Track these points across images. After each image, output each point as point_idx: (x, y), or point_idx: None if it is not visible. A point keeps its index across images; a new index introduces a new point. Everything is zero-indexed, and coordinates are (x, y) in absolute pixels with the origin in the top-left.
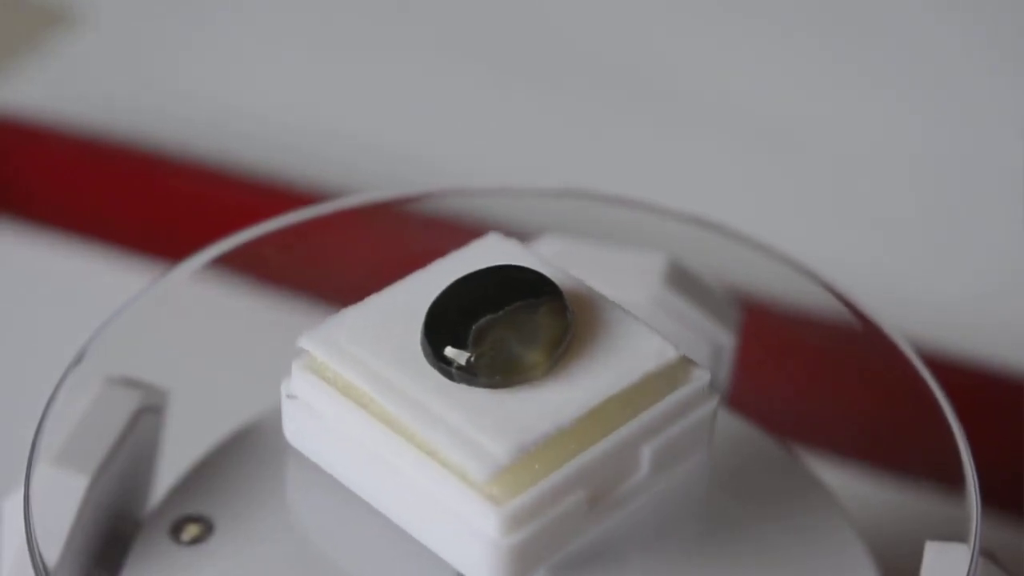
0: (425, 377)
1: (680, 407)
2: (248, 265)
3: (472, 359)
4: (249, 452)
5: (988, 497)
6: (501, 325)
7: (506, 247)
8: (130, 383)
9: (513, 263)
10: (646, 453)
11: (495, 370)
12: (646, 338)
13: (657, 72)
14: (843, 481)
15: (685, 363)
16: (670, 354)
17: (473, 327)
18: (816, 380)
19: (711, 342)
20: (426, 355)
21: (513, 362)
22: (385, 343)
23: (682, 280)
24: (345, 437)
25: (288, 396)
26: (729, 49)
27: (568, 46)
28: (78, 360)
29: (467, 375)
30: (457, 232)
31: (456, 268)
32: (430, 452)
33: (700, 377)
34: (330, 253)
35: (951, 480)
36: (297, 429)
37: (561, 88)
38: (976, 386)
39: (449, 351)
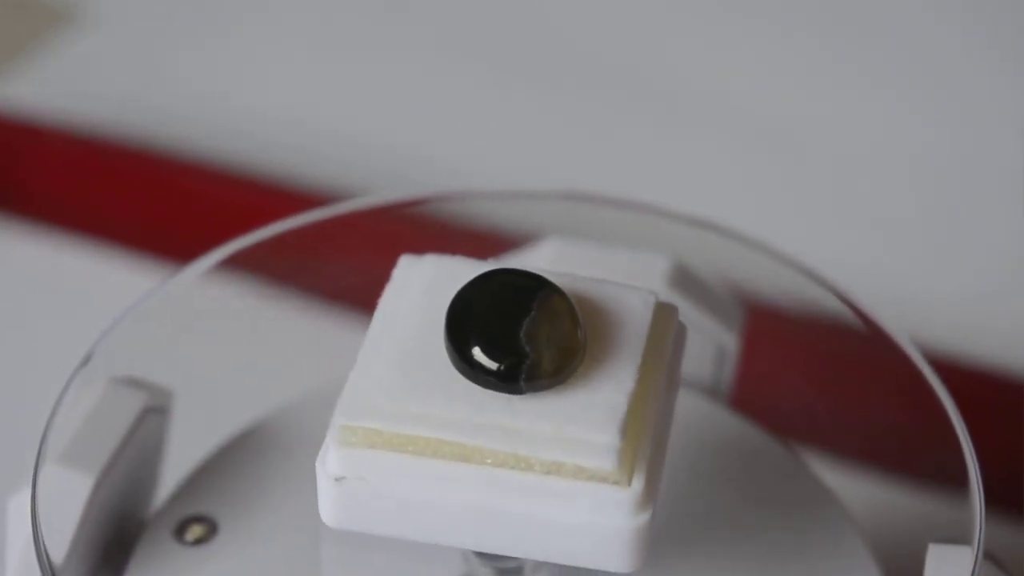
0: (480, 399)
1: (675, 340)
2: (251, 266)
3: (534, 362)
4: (253, 453)
5: (990, 498)
6: (541, 323)
7: (446, 263)
8: (135, 383)
9: (471, 275)
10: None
11: (558, 365)
12: (626, 295)
13: (658, 73)
14: (846, 482)
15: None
16: (652, 300)
17: (520, 333)
18: (819, 381)
19: (715, 343)
20: (476, 376)
21: (568, 351)
22: (419, 385)
23: (685, 281)
24: (419, 496)
25: (336, 479)
26: (730, 49)
27: (569, 47)
28: (86, 361)
29: (535, 378)
30: (461, 234)
31: (414, 296)
32: (530, 468)
33: (672, 309)
34: (332, 255)
35: (953, 481)
36: (350, 509)
37: (562, 89)
38: (977, 387)
39: (506, 363)
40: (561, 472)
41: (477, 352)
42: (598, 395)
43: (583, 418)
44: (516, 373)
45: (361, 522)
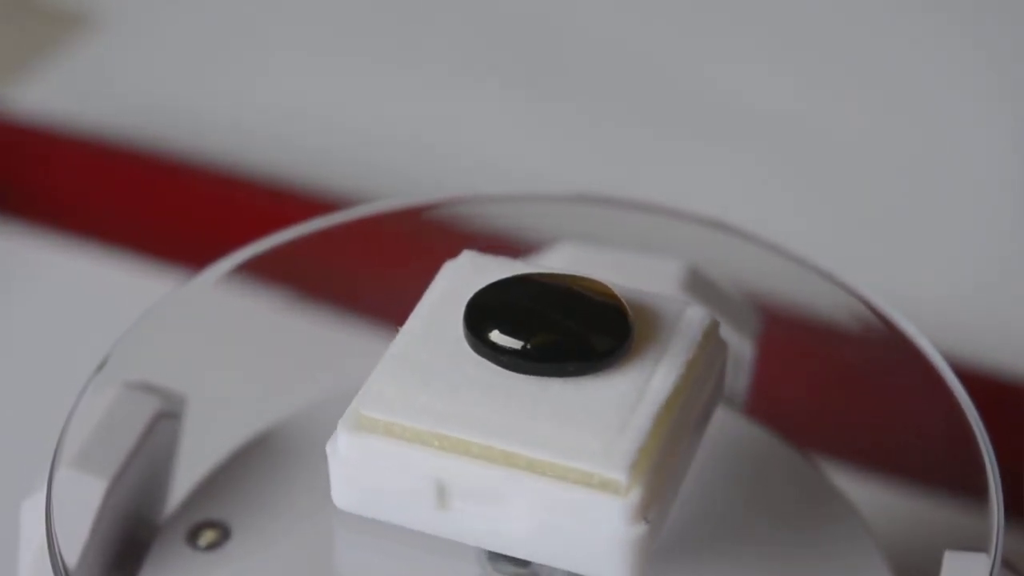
0: (498, 393)
1: (710, 363)
2: (266, 272)
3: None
4: (266, 458)
5: (1006, 504)
6: (579, 305)
7: (483, 262)
8: (148, 388)
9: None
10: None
11: (607, 347)
12: (679, 307)
13: (671, 76)
14: (861, 489)
15: (714, 324)
16: (707, 320)
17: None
18: (834, 388)
19: (730, 349)
20: (505, 360)
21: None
22: (439, 378)
23: (700, 286)
24: (427, 485)
25: (341, 461)
26: (745, 54)
27: (580, 51)
28: (101, 366)
29: (582, 358)
30: (475, 240)
31: (451, 295)
32: (531, 468)
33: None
34: (345, 259)
35: (971, 488)
36: (358, 493)
37: (573, 93)
38: (993, 391)
39: (539, 338)
40: (560, 473)
41: (481, 319)
42: (619, 400)
43: (591, 419)
44: (554, 352)
45: (367, 507)
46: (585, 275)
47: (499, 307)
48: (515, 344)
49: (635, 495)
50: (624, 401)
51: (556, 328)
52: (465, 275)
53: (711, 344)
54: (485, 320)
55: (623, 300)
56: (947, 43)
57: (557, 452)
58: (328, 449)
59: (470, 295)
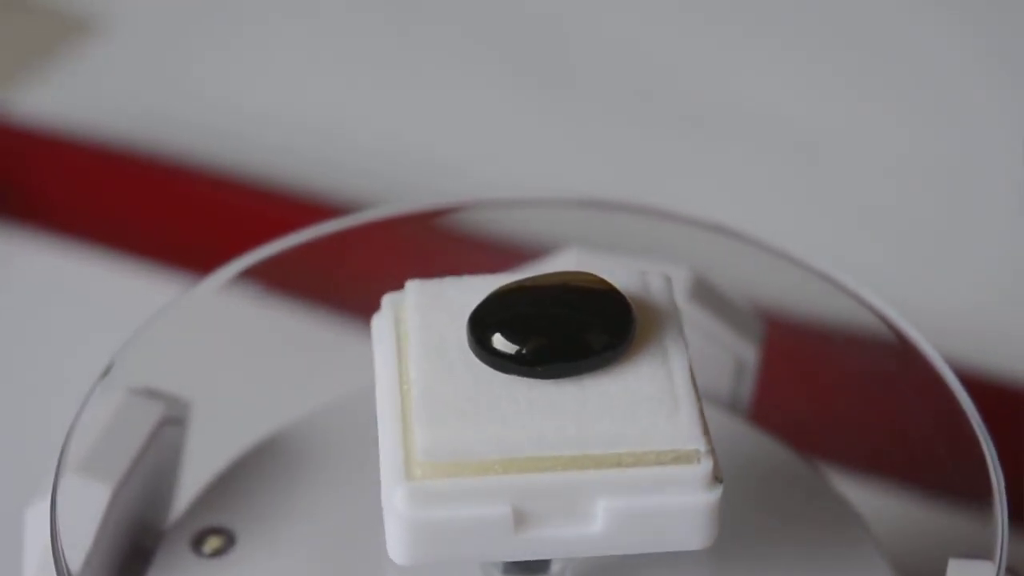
0: (540, 403)
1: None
2: (271, 277)
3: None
4: (271, 464)
5: (1012, 512)
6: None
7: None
8: (153, 394)
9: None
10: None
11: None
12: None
13: (675, 81)
14: (866, 497)
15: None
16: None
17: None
18: (839, 395)
19: (734, 356)
20: (513, 368)
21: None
22: (478, 407)
23: (705, 293)
24: (502, 512)
25: (412, 517)
26: (749, 58)
27: (583, 56)
28: (106, 372)
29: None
30: (478, 245)
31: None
32: (603, 464)
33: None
34: (349, 265)
35: (976, 496)
36: (424, 544)
37: (575, 98)
38: (998, 398)
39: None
40: (635, 461)
41: (498, 339)
42: (654, 379)
43: (643, 404)
44: (548, 356)
45: (434, 554)
46: (562, 270)
47: (501, 320)
48: (525, 351)
49: (708, 461)
50: (660, 383)
51: (567, 327)
52: (428, 302)
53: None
54: (494, 337)
55: (616, 286)
56: (952, 45)
57: (628, 442)
58: (384, 504)
59: (451, 320)
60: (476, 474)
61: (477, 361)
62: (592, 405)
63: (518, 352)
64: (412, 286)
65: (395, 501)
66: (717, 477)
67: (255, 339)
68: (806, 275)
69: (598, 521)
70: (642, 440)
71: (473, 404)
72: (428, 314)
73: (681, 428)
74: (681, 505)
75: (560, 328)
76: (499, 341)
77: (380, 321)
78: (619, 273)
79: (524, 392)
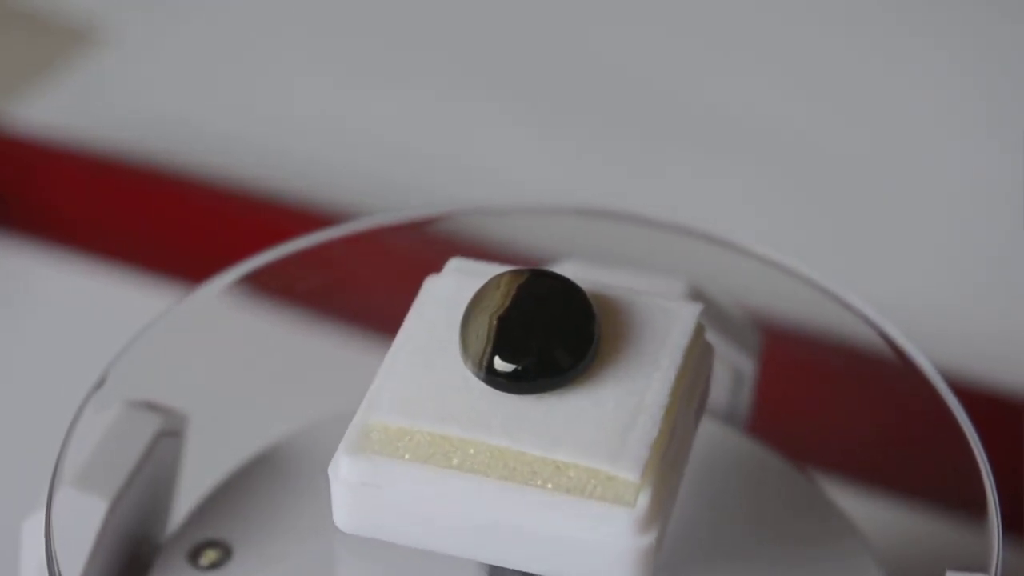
0: (495, 402)
1: (702, 362)
2: (267, 287)
3: (545, 359)
4: (268, 478)
5: (1007, 523)
6: (551, 319)
7: (473, 267)
8: (150, 407)
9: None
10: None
11: (570, 361)
12: (666, 312)
13: (670, 91)
14: (862, 509)
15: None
16: (692, 322)
17: (530, 330)
18: (836, 407)
19: (731, 368)
20: (489, 379)
21: (579, 345)
22: (436, 390)
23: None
24: (426, 505)
25: (353, 484)
26: (748, 71)
27: (581, 67)
28: (100, 384)
29: (546, 375)
30: (477, 255)
31: (436, 308)
32: (535, 476)
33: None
34: (346, 274)
35: (971, 507)
36: (360, 514)
37: (573, 108)
38: (993, 409)
39: (520, 365)
40: (565, 481)
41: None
42: (610, 403)
43: (590, 426)
44: (526, 374)
45: (372, 528)
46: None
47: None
48: (501, 373)
49: (643, 503)
50: (625, 406)
51: (543, 348)
52: (444, 285)
53: (699, 349)
54: (492, 358)
55: (591, 304)
56: (945, 54)
57: (566, 450)
58: (330, 472)
59: (454, 305)
60: (417, 460)
61: (459, 359)
62: (545, 411)
63: (506, 371)
64: (455, 264)
65: (340, 468)
66: (654, 519)
67: (252, 350)
68: (803, 287)
69: (522, 539)
70: (579, 452)
71: (433, 390)
72: (440, 294)
73: (624, 453)
74: (605, 546)
75: (535, 347)
76: (497, 360)
77: (434, 283)
78: (648, 298)
79: (490, 394)
